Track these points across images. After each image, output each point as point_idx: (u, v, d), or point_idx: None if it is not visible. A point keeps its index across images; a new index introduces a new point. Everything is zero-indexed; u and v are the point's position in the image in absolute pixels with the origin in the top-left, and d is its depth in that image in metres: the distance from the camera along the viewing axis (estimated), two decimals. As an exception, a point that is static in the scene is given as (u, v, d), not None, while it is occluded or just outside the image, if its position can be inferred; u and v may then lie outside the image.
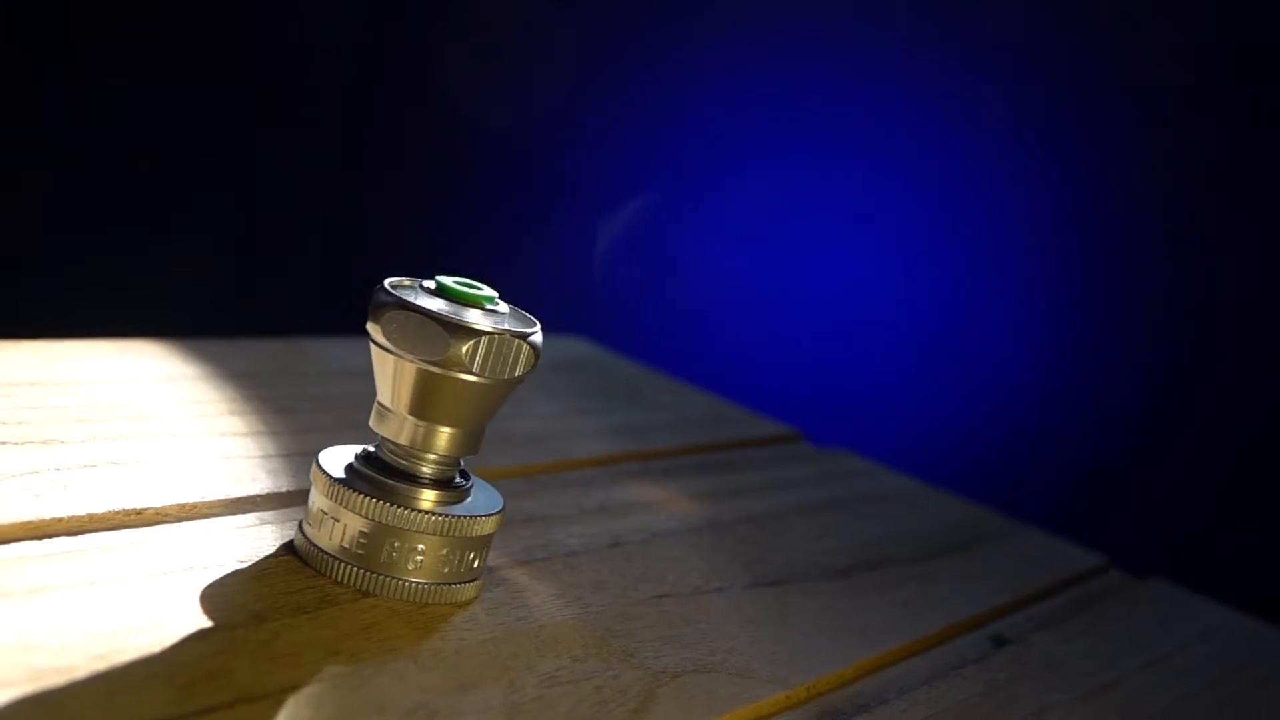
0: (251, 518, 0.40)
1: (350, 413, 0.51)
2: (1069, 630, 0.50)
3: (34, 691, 0.28)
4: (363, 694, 0.32)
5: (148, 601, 0.33)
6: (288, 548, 0.39)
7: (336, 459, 0.39)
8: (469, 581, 0.39)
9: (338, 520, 0.37)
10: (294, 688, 0.32)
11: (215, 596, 0.35)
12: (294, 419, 0.48)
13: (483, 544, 0.39)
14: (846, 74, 0.89)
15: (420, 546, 0.37)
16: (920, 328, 0.88)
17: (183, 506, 0.39)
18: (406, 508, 0.37)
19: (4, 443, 0.40)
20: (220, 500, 0.40)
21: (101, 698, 0.29)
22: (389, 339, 0.37)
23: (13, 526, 0.35)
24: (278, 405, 0.49)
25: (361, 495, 0.37)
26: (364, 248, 1.07)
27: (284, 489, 0.42)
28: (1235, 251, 0.79)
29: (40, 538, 0.35)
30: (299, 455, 0.45)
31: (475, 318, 0.37)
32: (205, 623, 0.33)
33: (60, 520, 0.36)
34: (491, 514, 0.38)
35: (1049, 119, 0.83)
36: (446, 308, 0.37)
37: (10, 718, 0.27)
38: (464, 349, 0.36)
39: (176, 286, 1.08)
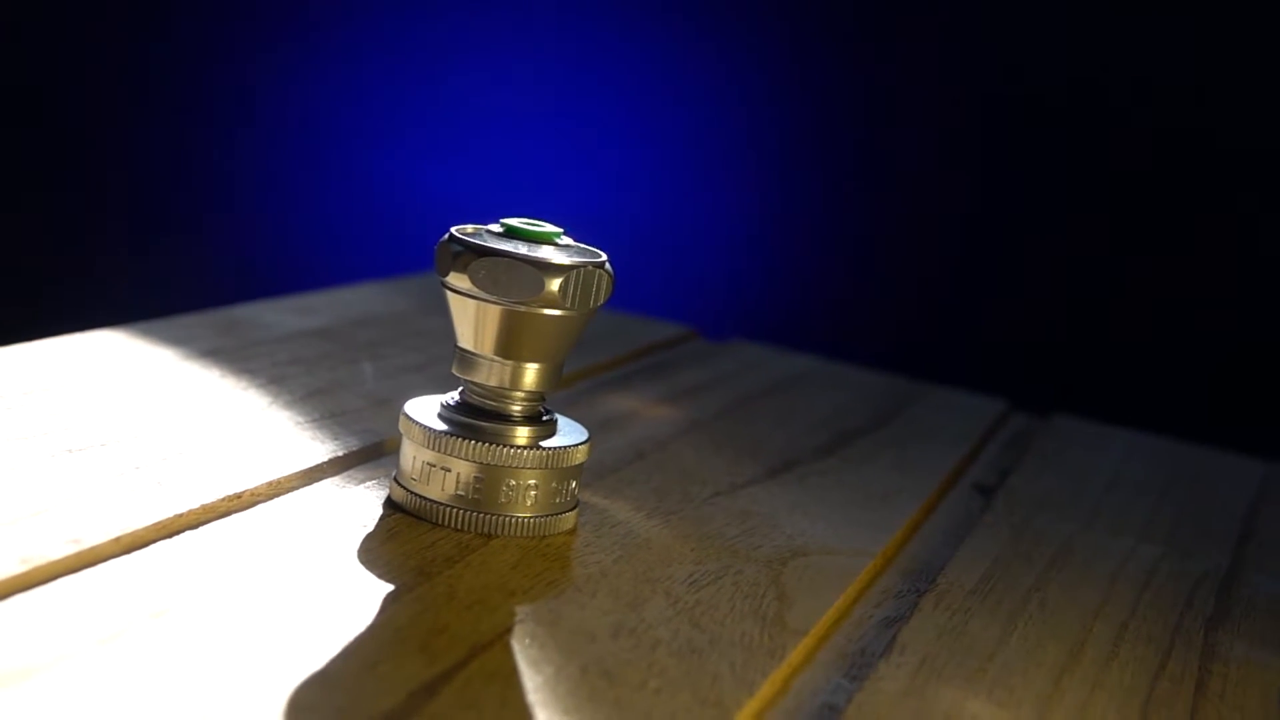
0: (329, 484, 0.40)
1: (330, 372, 0.51)
2: (1029, 471, 0.55)
3: (309, 675, 0.29)
4: (564, 626, 0.33)
5: (322, 576, 0.34)
6: (389, 505, 0.39)
7: (423, 411, 0.39)
8: (571, 509, 0.40)
9: (448, 470, 0.38)
10: (506, 631, 0.33)
11: (373, 561, 0.35)
12: (292, 386, 0.48)
13: (580, 471, 0.40)
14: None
15: (533, 482, 0.38)
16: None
17: (270, 484, 0.39)
18: (514, 447, 0.38)
19: (68, 450, 0.39)
20: (296, 473, 0.40)
21: (364, 670, 0.29)
22: (479, 285, 0.37)
23: (145, 531, 0.35)
24: (268, 376, 0.49)
25: (470, 441, 0.38)
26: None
27: (340, 452, 0.42)
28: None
29: (169, 536, 0.35)
30: (324, 419, 0.45)
31: (553, 254, 0.38)
32: (385, 585, 0.34)
33: (180, 516, 0.36)
34: (585, 441, 0.40)
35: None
36: (525, 249, 0.38)
37: (308, 702, 0.28)
38: (556, 285, 0.37)
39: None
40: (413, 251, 0.94)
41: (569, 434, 0.40)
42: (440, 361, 0.55)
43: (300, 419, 0.45)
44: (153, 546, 0.34)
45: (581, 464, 0.40)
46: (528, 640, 0.32)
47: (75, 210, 1.06)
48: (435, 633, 0.32)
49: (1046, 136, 0.83)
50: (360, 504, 0.39)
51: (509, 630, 0.33)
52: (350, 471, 0.41)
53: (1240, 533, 0.51)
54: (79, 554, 0.32)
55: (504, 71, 0.94)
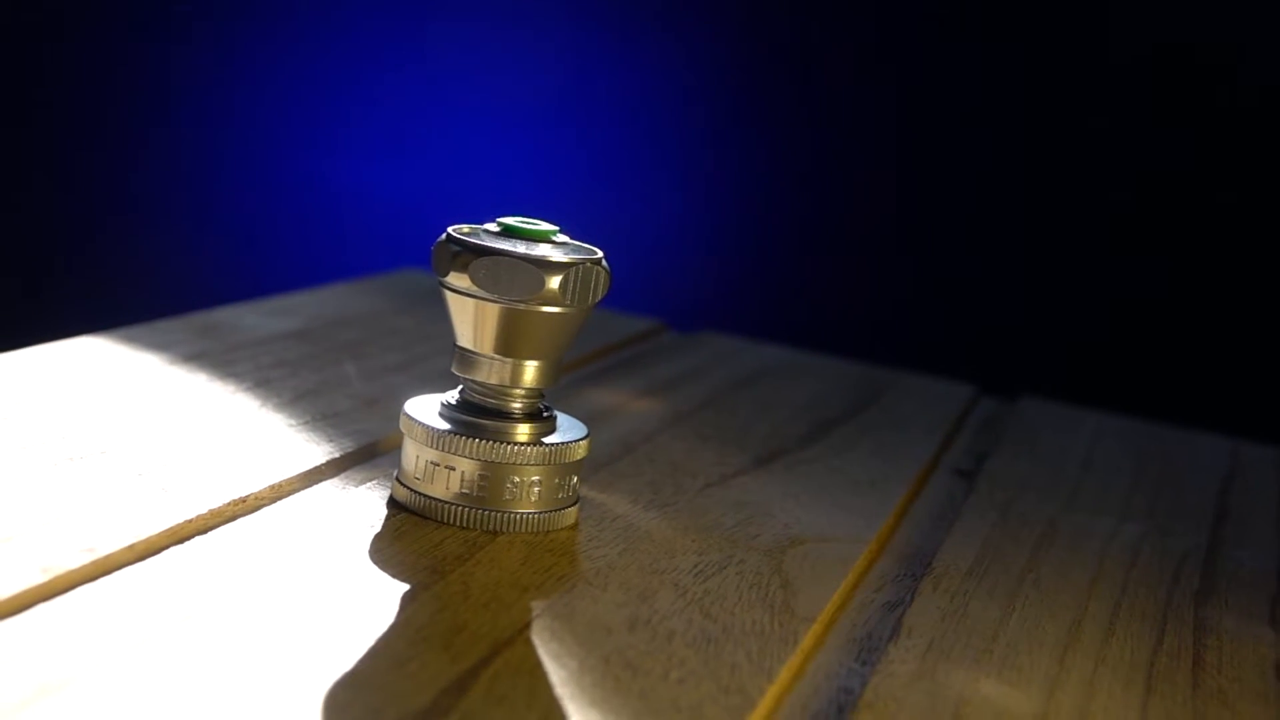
0: (330, 486, 0.40)
1: (315, 374, 0.51)
2: (1005, 455, 0.56)
3: (340, 675, 0.29)
4: (580, 620, 0.34)
5: (336, 577, 0.34)
6: (393, 504, 0.39)
7: (424, 410, 0.39)
8: (573, 504, 0.40)
9: (452, 468, 0.38)
10: (525, 627, 0.33)
11: (385, 561, 0.35)
12: (279, 388, 0.48)
13: (580, 467, 0.40)
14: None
15: (536, 478, 0.39)
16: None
17: (272, 488, 0.39)
18: (517, 444, 0.38)
19: (69, 458, 0.39)
20: (296, 476, 0.40)
21: (392, 669, 0.30)
22: (480, 285, 0.37)
23: (157, 538, 0.35)
24: (254, 379, 0.49)
25: (473, 440, 0.38)
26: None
27: (336, 454, 0.43)
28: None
29: (180, 542, 0.35)
30: (316, 421, 0.45)
31: (551, 252, 0.38)
32: (400, 585, 0.34)
33: (189, 522, 0.36)
34: (585, 437, 0.40)
35: None
36: (524, 247, 0.38)
37: (342, 702, 0.28)
38: (556, 283, 0.37)
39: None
40: (367, 252, 0.94)
41: (569, 430, 0.40)
42: (420, 360, 0.55)
43: (293, 421, 0.45)
44: (166, 553, 0.34)
45: (583, 459, 0.40)
46: (546, 637, 0.33)
47: (27, 219, 1.05)
48: (456, 630, 0.32)
49: (1006, 128, 0.84)
50: (363, 504, 0.39)
51: (528, 625, 0.33)
52: (349, 472, 0.42)
53: (1215, 510, 0.52)
54: (95, 563, 0.32)
55: (459, 70, 0.94)
